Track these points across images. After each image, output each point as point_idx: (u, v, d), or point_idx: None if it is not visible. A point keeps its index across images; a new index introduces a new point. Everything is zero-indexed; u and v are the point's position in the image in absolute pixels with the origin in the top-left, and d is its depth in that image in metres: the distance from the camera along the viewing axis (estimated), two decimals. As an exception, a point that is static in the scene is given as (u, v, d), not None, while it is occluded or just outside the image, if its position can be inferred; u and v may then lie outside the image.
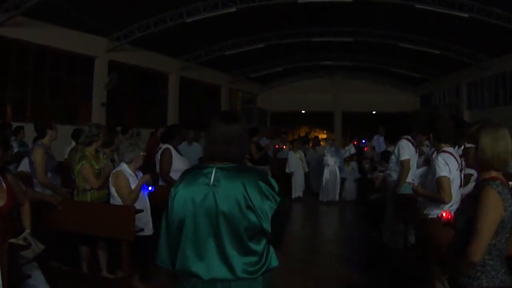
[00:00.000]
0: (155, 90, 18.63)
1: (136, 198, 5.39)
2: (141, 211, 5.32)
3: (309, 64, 22.10)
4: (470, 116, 16.74)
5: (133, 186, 5.42)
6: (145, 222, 5.46)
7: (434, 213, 4.65)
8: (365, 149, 13.56)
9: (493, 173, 2.93)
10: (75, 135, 7.62)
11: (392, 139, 7.73)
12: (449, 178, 4.56)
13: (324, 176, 13.17)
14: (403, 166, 6.73)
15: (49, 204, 5.28)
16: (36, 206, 4.89)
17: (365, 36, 16.59)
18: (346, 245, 8.66)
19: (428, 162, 8.08)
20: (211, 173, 2.70)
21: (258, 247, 2.67)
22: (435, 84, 20.64)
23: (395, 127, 7.52)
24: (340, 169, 13.34)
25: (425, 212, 4.80)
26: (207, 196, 2.65)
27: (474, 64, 16.18)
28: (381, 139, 11.88)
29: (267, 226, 2.64)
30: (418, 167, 6.51)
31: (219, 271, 2.63)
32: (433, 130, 4.93)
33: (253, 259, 2.66)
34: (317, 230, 10.75)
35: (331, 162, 13.26)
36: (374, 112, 25.01)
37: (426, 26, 14.67)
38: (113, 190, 5.48)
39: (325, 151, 13.73)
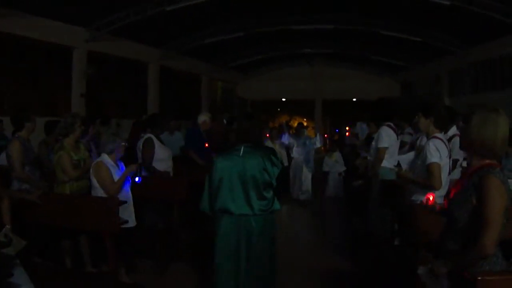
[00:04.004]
0: (135, 80, 18.34)
1: (119, 189, 5.26)
2: (125, 202, 5.19)
3: (289, 52, 21.92)
4: (451, 103, 16.74)
5: (115, 177, 5.29)
6: (128, 214, 5.33)
7: (421, 199, 4.60)
8: (347, 134, 13.37)
9: (487, 160, 2.85)
10: (48, 128, 7.41)
11: (376, 125, 7.67)
12: (440, 165, 4.51)
13: (291, 169, 11.84)
14: (378, 154, 6.73)
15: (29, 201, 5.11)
16: (16, 200, 4.73)
17: (345, 23, 16.48)
18: (328, 234, 8.59)
19: (413, 149, 8.10)
20: (240, 149, 4.52)
21: (268, 195, 4.46)
22: (416, 72, 20.66)
23: (377, 113, 7.43)
24: (307, 162, 11.64)
25: (412, 198, 4.75)
26: (238, 163, 4.45)
27: (455, 51, 16.19)
28: (364, 125, 11.85)
29: (274, 182, 4.45)
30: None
31: (244, 209, 4.42)
32: (435, 114, 4.82)
33: (265, 202, 4.44)
34: (292, 218, 10.56)
35: (296, 154, 11.88)
36: (354, 100, 25.00)
37: (407, 14, 14.60)
38: (94, 181, 5.33)
39: (314, 140, 12.51)
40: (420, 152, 4.90)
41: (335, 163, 12.23)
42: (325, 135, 20.77)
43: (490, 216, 2.70)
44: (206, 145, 8.91)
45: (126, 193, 5.42)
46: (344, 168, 12.15)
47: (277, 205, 4.54)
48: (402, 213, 5.97)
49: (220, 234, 4.50)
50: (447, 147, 4.67)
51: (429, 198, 3.60)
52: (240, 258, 4.43)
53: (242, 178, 4.41)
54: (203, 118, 9.05)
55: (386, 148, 6.67)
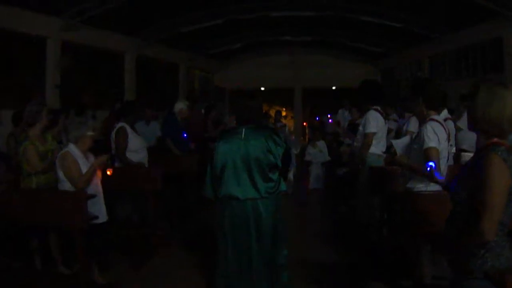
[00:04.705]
0: (111, 70, 17.84)
1: (88, 182, 4.84)
2: (94, 196, 4.77)
3: (268, 40, 21.51)
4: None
5: (83, 169, 4.87)
6: (98, 209, 4.92)
7: (418, 186, 4.29)
8: (330, 121, 13.03)
9: (495, 139, 2.56)
10: (15, 119, 6.98)
11: (360, 110, 7.33)
12: (438, 149, 4.17)
13: None
14: (366, 139, 6.34)
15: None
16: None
17: (326, 9, 16.15)
18: (313, 224, 8.28)
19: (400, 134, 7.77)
20: (242, 132, 4.34)
21: (274, 176, 4.32)
22: (396, 58, 20.45)
23: (362, 96, 6.95)
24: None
25: (408, 185, 4.41)
26: (241, 146, 4.27)
27: (436, 37, 15.98)
28: (346, 112, 11.56)
29: (279, 163, 4.30)
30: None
31: (251, 192, 4.26)
32: (424, 95, 4.43)
33: (271, 184, 4.31)
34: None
35: None
36: (334, 88, 24.76)
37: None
38: (61, 174, 4.89)
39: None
40: (416, 136, 4.54)
41: (318, 153, 11.44)
42: (304, 123, 20.58)
43: (488, 198, 2.41)
44: (184, 134, 8.54)
45: (96, 186, 4.99)
46: (328, 158, 11.39)
47: (283, 186, 4.46)
48: (391, 201, 5.67)
49: (227, 221, 4.35)
50: (445, 130, 4.33)
51: (431, 166, 3.28)
52: (251, 244, 4.29)
53: (246, 161, 4.26)
54: (180, 106, 8.66)
55: (374, 133, 6.30)
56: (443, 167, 4.25)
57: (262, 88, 25.79)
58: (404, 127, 8.10)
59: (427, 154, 4.15)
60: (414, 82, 4.62)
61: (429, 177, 3.89)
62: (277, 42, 22.05)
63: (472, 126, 2.70)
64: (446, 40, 15.70)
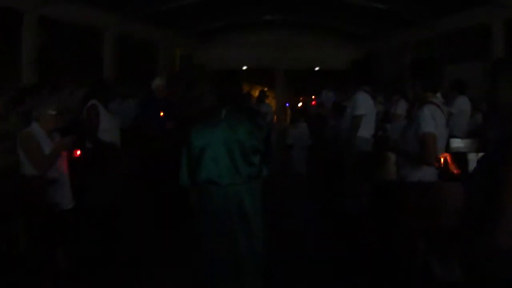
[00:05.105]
0: (90, 47, 17.27)
1: (51, 165, 4.40)
2: (56, 181, 4.34)
3: (250, 19, 21.14)
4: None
5: (47, 150, 4.42)
6: (62, 195, 4.48)
7: (413, 175, 3.92)
8: (312, 103, 12.60)
9: None
10: None
11: (349, 91, 6.91)
12: (435, 135, 3.79)
13: None
14: (354, 122, 5.93)
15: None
16: None
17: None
18: (298, 215, 7.93)
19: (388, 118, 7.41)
20: (222, 112, 4.03)
21: (256, 160, 4.03)
22: (380, 41, 20.16)
23: (352, 77, 6.50)
24: None
25: (402, 172, 4.03)
26: (222, 128, 3.97)
27: (422, 21, 15.71)
28: (330, 93, 11.17)
29: (262, 146, 4.05)
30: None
31: (232, 178, 3.96)
32: (421, 76, 4.03)
33: (254, 168, 4.03)
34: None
35: None
36: (317, 69, 24.43)
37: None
38: (22, 155, 4.45)
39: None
40: (411, 120, 4.15)
41: (301, 135, 10.71)
42: (286, 104, 20.30)
43: (505, 199, 2.03)
44: (162, 113, 8.09)
45: (60, 170, 4.55)
46: (310, 142, 10.66)
47: (266, 171, 4.16)
48: (381, 190, 5.30)
49: (208, 209, 4.05)
50: (444, 115, 3.96)
51: (446, 158, 2.93)
52: (235, 232, 3.99)
53: (227, 144, 3.96)
54: (158, 82, 8.20)
55: (363, 115, 5.91)
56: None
57: (244, 68, 25.40)
58: (392, 110, 7.80)
59: (422, 140, 3.78)
60: (413, 62, 4.19)
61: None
62: (260, 21, 21.67)
63: (493, 113, 2.32)
64: (432, 25, 15.44)
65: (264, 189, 4.22)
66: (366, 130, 5.91)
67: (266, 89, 19.19)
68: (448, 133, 4.18)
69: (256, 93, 14.85)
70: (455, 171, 3.60)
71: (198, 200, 4.15)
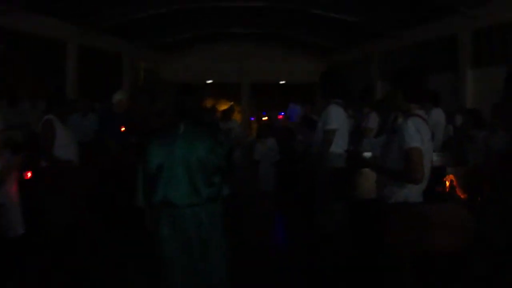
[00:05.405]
0: (51, 60, 16.70)
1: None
2: (2, 205, 3.92)
3: (216, 31, 20.90)
4: (383, 86, 16.31)
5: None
6: (10, 219, 4.06)
7: (398, 195, 3.63)
8: (279, 117, 12.30)
9: None
10: None
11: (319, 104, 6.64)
12: (421, 150, 3.50)
13: None
14: (327, 137, 5.61)
15: None
16: None
17: (277, 1, 15.62)
18: (266, 235, 7.63)
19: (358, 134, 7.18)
20: (180, 128, 3.78)
21: (217, 179, 3.79)
22: (348, 53, 20.19)
23: (323, 89, 6.18)
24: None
25: (385, 191, 3.72)
26: (180, 145, 3.70)
27: (388, 33, 15.75)
28: (297, 107, 10.93)
29: (223, 164, 3.80)
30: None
31: (191, 198, 3.69)
32: (403, 86, 3.78)
33: (214, 189, 3.78)
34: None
35: None
36: (282, 82, 24.36)
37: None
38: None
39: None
40: (392, 135, 3.87)
41: (268, 151, 10.13)
42: (252, 118, 20.14)
43: None
44: (122, 128, 7.73)
45: (8, 194, 4.13)
46: (278, 157, 10.10)
47: (226, 190, 3.92)
48: (358, 209, 5.02)
49: (165, 232, 3.72)
50: (429, 128, 3.69)
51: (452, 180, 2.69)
52: (194, 258, 3.71)
53: (186, 162, 3.68)
54: (118, 97, 7.89)
55: (336, 129, 5.62)
56: (427, 172, 3.61)
57: (209, 81, 25.13)
58: (363, 124, 7.58)
59: (408, 155, 3.50)
60: (396, 71, 3.87)
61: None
62: (225, 34, 21.52)
63: (504, 126, 2.07)
64: (399, 36, 15.48)
65: (228, 208, 3.98)
66: (339, 145, 5.63)
67: (232, 103, 18.92)
68: (433, 147, 3.92)
69: (221, 107, 14.42)
70: (462, 196, 3.33)
71: (154, 223, 3.81)
